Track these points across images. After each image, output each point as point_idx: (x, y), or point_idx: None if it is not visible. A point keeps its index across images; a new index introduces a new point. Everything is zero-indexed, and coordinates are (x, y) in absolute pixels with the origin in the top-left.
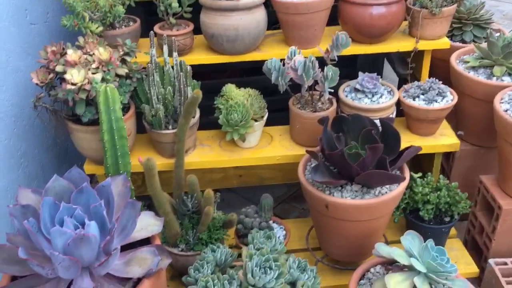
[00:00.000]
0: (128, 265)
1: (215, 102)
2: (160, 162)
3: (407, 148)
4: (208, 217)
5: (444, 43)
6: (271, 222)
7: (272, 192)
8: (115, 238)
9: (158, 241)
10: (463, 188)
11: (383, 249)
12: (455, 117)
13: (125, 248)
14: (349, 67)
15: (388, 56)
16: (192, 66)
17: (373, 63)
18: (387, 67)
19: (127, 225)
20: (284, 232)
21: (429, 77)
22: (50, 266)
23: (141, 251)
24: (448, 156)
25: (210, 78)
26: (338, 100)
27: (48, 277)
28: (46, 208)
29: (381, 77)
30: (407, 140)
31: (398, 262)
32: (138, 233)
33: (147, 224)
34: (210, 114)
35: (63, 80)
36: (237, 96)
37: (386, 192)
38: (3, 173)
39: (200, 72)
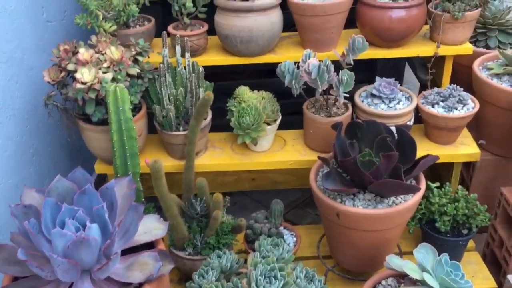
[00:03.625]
0: (129, 269)
1: (227, 104)
2: (171, 164)
3: (424, 157)
4: (216, 222)
5: (466, 48)
6: (281, 228)
7: (286, 196)
8: (116, 241)
9: (162, 245)
10: (484, 199)
11: (394, 262)
12: (476, 126)
13: (129, 251)
14: (369, 71)
15: (410, 60)
16: (209, 66)
17: (394, 67)
18: (408, 72)
19: (129, 229)
20: (294, 238)
21: (451, 83)
22: (49, 268)
23: (143, 256)
24: (468, 166)
25: (228, 79)
26: (354, 105)
27: (48, 279)
28: (47, 209)
29: (402, 82)
30: (425, 148)
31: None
32: (142, 237)
33: (151, 228)
34: (224, 115)
35: (74, 78)
36: (249, 98)
37: (400, 202)
38: (14, 170)
39: (217, 72)
